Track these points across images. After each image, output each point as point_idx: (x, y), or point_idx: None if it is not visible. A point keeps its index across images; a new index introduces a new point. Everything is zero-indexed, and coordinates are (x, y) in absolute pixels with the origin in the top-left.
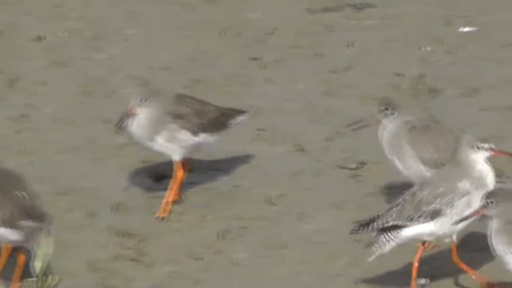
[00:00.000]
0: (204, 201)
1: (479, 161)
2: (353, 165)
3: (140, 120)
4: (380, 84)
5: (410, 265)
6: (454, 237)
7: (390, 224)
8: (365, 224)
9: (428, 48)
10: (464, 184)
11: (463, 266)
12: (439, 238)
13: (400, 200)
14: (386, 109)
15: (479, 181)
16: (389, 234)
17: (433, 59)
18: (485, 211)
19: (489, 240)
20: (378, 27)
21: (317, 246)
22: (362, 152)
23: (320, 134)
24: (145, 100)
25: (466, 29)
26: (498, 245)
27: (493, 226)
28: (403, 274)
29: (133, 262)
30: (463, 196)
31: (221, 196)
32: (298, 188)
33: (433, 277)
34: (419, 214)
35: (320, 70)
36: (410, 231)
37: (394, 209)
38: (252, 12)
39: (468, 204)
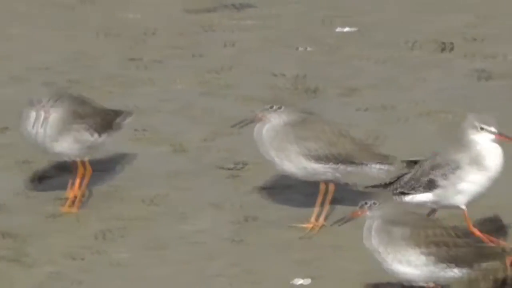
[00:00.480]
0: (84, 201)
1: (479, 142)
2: (232, 166)
3: (48, 121)
4: (259, 84)
5: (288, 265)
6: (463, 207)
7: (398, 190)
8: (384, 186)
9: (308, 48)
10: (458, 157)
11: (479, 234)
12: (442, 207)
13: (413, 168)
14: (271, 106)
15: (474, 159)
16: (400, 198)
17: (312, 59)
18: (367, 212)
19: (366, 240)
20: (257, 27)
21: (197, 246)
22: (241, 152)
23: (199, 134)
24: (55, 101)
25: (345, 29)
26: (377, 245)
27: (374, 227)
28: (282, 273)
29: (14, 262)
30: (455, 170)
31: (101, 196)
32: (177, 188)
33: (314, 278)
34: (418, 184)
35: (199, 70)
36: (412, 199)
37: (406, 176)
38: (131, 13)
39: (460, 178)
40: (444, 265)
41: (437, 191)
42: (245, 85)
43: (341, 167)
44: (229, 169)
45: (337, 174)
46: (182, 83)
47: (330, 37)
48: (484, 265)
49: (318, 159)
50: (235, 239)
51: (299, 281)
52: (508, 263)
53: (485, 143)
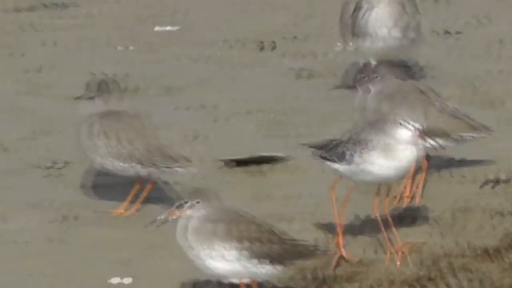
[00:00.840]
0: None
1: (396, 136)
2: (53, 165)
3: None
4: (80, 84)
5: (109, 264)
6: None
7: (323, 156)
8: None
9: (129, 47)
10: (373, 138)
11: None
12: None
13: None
14: (90, 97)
15: (386, 146)
16: (325, 163)
17: (133, 58)
18: (189, 211)
19: (179, 237)
20: (80, 26)
21: (16, 245)
22: (62, 151)
23: (20, 133)
24: None
25: (167, 28)
26: (194, 242)
27: (190, 224)
28: (102, 272)
29: None
30: (365, 149)
31: None
32: None
33: (135, 277)
34: (336, 155)
35: (20, 69)
36: (334, 167)
37: (335, 142)
38: None
39: (371, 162)
40: (257, 260)
41: (347, 165)
42: (66, 85)
43: (140, 166)
44: (49, 168)
45: (143, 172)
46: (2, 82)
47: (151, 36)
48: (298, 262)
49: (117, 157)
50: (55, 238)
51: (118, 280)
52: (334, 263)
53: (402, 135)
